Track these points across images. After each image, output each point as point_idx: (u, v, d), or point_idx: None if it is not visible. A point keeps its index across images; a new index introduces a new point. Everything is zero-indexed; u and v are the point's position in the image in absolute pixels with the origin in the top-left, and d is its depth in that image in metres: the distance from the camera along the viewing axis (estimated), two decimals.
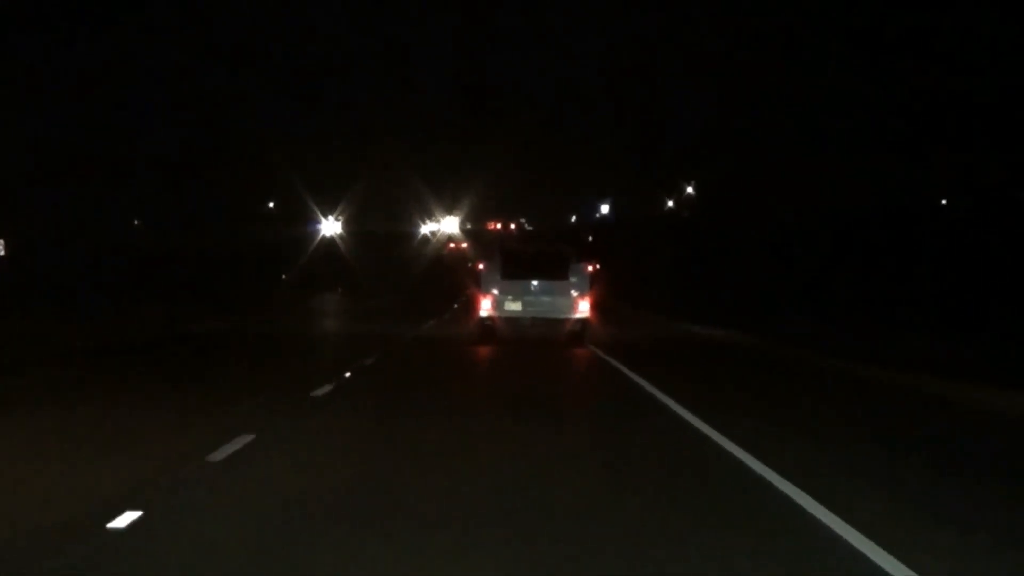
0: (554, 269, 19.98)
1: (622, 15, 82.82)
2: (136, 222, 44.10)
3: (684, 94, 58.87)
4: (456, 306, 37.30)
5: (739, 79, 41.95)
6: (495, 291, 19.93)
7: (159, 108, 39.16)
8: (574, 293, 19.82)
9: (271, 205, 56.54)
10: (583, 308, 19.89)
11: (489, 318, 20.07)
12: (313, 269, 54.58)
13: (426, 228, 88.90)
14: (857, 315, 24.65)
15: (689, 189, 78.89)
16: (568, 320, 20.02)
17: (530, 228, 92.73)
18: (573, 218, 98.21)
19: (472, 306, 23.34)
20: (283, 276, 49.22)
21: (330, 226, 65.73)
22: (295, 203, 60.33)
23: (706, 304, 29.93)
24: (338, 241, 65.80)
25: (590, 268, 20.45)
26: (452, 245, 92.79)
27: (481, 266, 20.42)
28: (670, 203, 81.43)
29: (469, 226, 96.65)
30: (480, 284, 20.23)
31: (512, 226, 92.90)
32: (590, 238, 72.85)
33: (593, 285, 20.43)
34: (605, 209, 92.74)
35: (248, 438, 8.15)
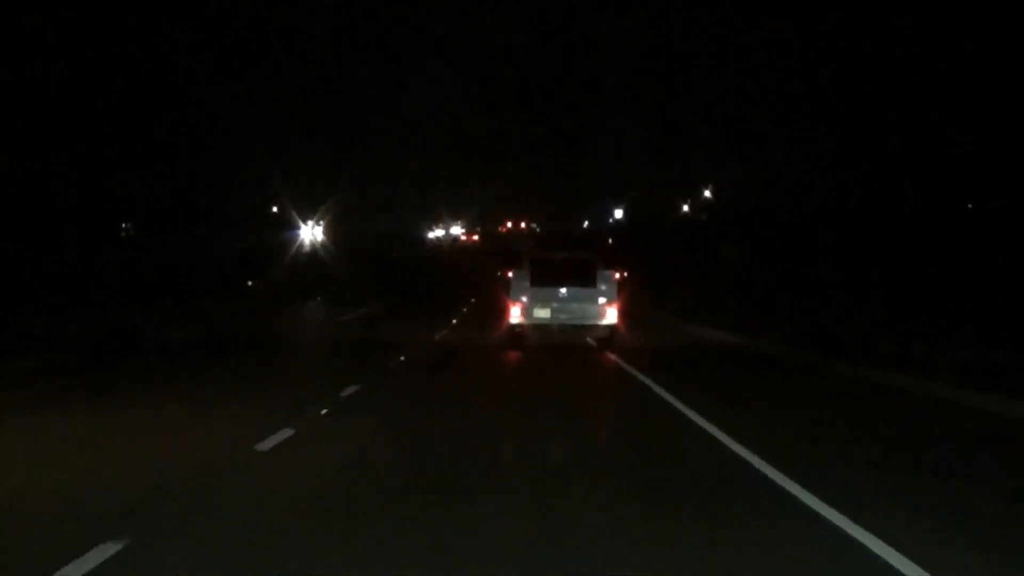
0: (582, 276, 22.21)
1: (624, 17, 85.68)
2: (124, 225, 45.98)
3: (695, 96, 61.26)
4: (455, 321, 34.35)
5: (752, 80, 44.34)
6: (524, 298, 22.16)
7: (150, 109, 41.18)
8: (602, 300, 22.03)
9: (275, 209, 58.49)
10: (611, 315, 22.10)
11: (519, 325, 22.28)
12: (293, 276, 55.31)
13: (433, 233, 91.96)
14: (892, 318, 26.23)
15: (707, 193, 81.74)
16: (597, 327, 22.21)
17: (538, 230, 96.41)
18: (585, 223, 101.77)
19: (497, 313, 25.53)
20: (249, 283, 49.06)
21: (308, 231, 66.29)
22: (279, 207, 61.78)
23: (728, 309, 31.99)
24: (319, 247, 66.54)
25: (618, 275, 22.64)
26: (463, 237, 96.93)
27: (510, 274, 22.61)
28: (685, 207, 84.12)
29: (478, 229, 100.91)
30: (509, 291, 22.41)
31: (522, 224, 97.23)
32: (609, 240, 75.51)
33: (621, 292, 22.61)
34: (619, 213, 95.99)
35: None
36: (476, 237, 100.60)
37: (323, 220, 66.44)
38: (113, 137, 38.50)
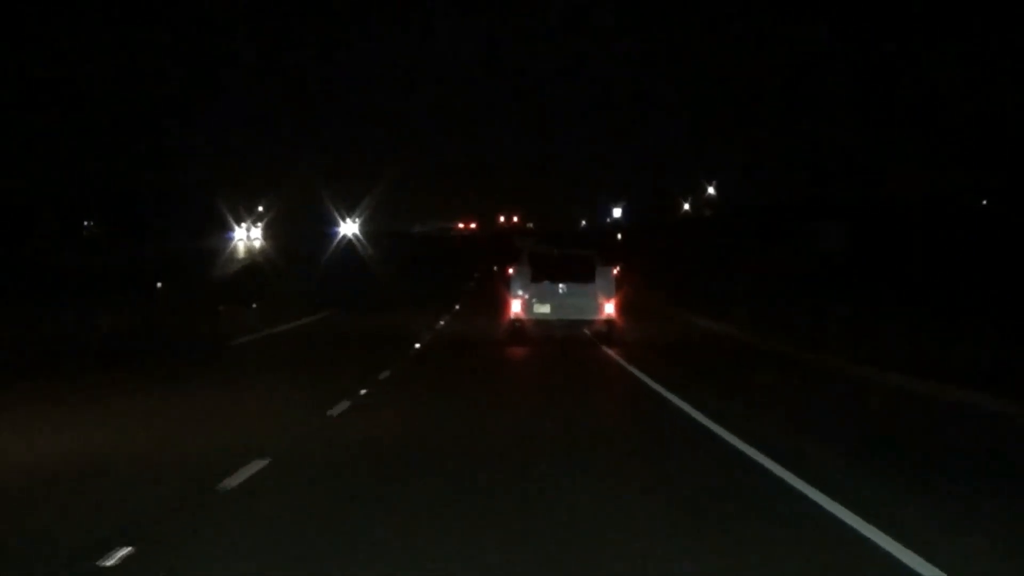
0: (581, 273, 25.45)
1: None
2: (86, 223, 47.84)
3: (697, 90, 64.66)
4: (419, 346, 26.39)
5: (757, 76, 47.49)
6: (525, 294, 25.11)
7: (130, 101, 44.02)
8: (601, 295, 25.10)
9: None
10: (609, 309, 25.28)
11: (518, 320, 25.29)
12: (232, 279, 52.97)
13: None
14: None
15: (710, 189, 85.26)
16: (596, 321, 25.26)
17: (532, 227, 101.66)
18: (583, 222, 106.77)
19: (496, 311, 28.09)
20: (158, 284, 45.92)
21: (243, 233, 66.43)
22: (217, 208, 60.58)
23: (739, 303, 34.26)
24: (255, 249, 66.17)
25: (615, 271, 25.60)
26: (460, 226, 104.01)
27: (510, 270, 25.51)
28: (686, 206, 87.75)
29: (474, 225, 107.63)
30: (509, 287, 25.37)
31: (515, 219, 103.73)
32: (619, 235, 79.37)
33: (619, 287, 25.60)
34: (617, 212, 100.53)
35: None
36: (474, 225, 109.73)
37: (261, 221, 65.95)
38: (77, 131, 40.78)
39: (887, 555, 7.21)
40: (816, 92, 46.53)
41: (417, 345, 25.99)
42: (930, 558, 7.04)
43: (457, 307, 44.10)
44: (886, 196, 44.30)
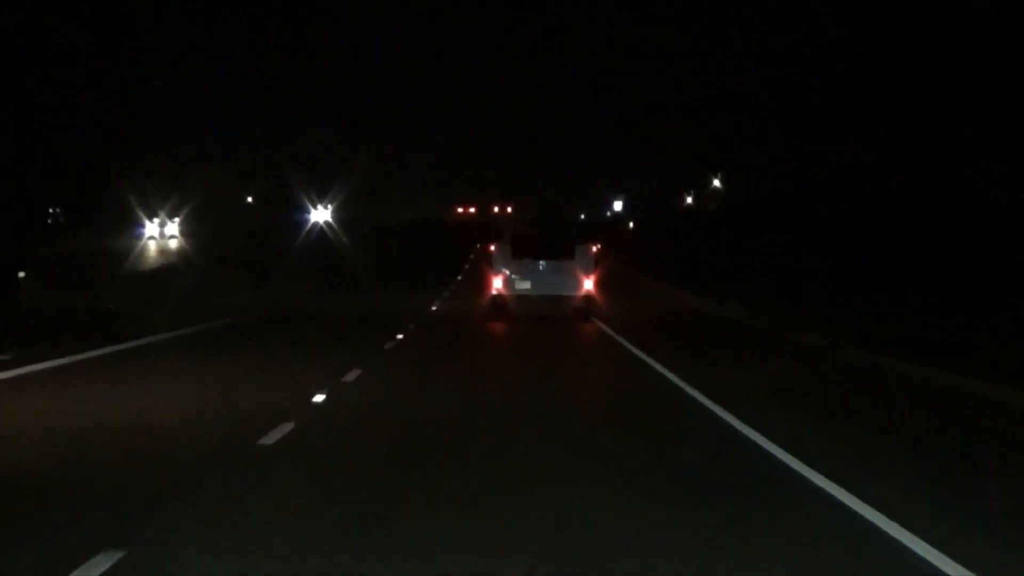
0: (560, 250, 28.58)
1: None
2: (52, 210, 48.93)
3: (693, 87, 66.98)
4: (324, 396, 16.23)
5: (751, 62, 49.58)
6: (506, 271, 27.64)
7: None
8: (579, 272, 27.83)
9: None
10: (587, 285, 28.30)
11: (500, 295, 27.87)
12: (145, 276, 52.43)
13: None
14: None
15: (716, 182, 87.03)
16: (574, 297, 28.36)
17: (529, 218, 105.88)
18: (582, 215, 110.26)
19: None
20: (20, 274, 42.89)
21: (154, 228, 61.96)
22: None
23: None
24: (169, 245, 62.45)
25: (594, 248, 28.14)
26: (460, 210, 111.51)
27: (493, 247, 28.01)
28: (689, 199, 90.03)
29: (473, 210, 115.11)
30: (492, 264, 27.88)
31: (508, 209, 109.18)
32: (631, 224, 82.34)
33: (597, 265, 28.19)
34: (618, 206, 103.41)
35: None
36: (473, 210, 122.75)
37: (178, 216, 62.64)
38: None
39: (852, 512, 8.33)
40: (817, 85, 48.24)
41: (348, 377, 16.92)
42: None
43: (434, 308, 36.65)
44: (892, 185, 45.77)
